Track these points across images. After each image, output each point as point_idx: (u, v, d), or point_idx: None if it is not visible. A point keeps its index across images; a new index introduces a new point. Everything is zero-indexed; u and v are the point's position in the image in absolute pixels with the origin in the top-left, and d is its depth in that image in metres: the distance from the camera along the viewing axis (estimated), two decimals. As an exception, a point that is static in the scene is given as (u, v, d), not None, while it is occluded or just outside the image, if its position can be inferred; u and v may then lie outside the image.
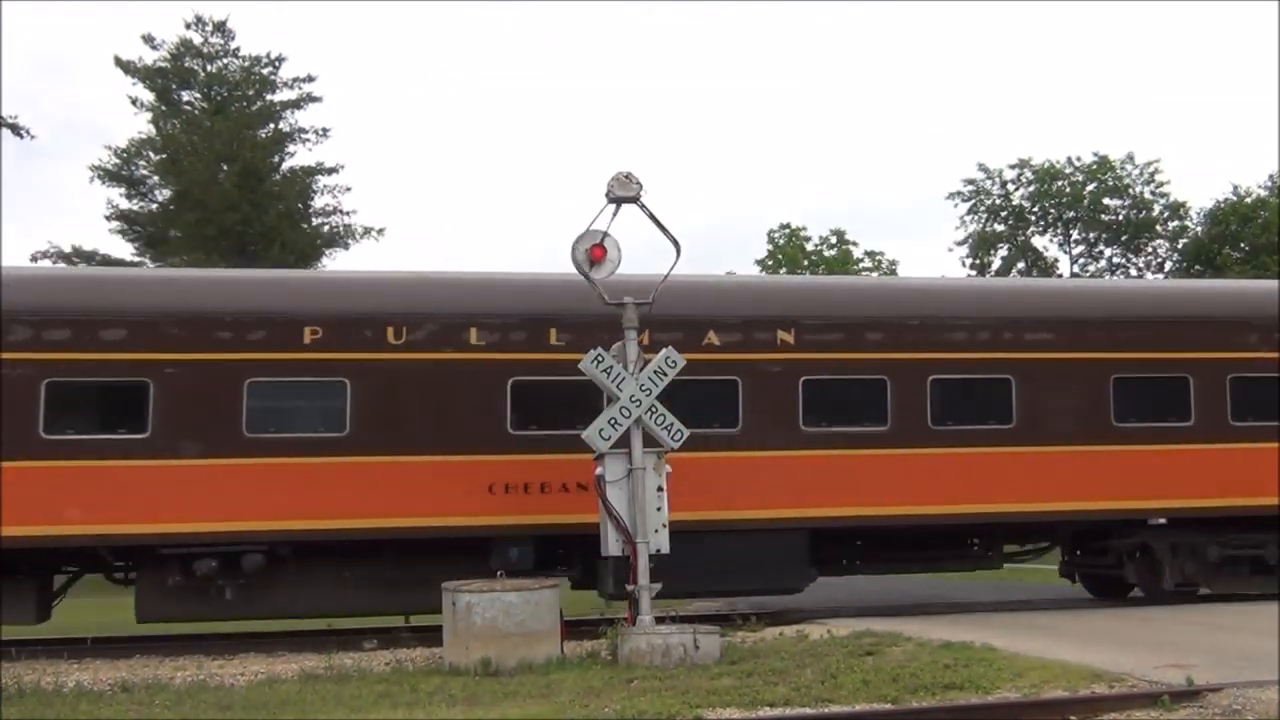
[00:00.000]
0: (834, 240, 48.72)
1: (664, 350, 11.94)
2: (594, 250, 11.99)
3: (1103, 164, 47.03)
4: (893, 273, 48.99)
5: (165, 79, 36.28)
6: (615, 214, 12.06)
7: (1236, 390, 15.00)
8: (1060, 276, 49.59)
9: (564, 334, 13.47)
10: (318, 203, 37.64)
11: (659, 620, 11.54)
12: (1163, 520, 14.84)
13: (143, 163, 36.30)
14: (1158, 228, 47.19)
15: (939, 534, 14.70)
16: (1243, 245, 42.40)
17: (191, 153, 34.48)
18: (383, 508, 12.96)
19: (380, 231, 37.70)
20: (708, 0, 75.87)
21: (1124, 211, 47.11)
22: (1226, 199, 44.14)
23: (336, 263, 37.22)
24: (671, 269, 12.56)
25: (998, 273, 46.67)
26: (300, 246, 34.96)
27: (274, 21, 67.04)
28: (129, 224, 36.09)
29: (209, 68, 36.82)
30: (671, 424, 11.79)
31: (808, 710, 8.31)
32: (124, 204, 36.23)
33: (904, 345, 14.35)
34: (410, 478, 13.07)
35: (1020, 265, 48.31)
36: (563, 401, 13.35)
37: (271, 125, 36.99)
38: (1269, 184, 44.00)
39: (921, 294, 15.46)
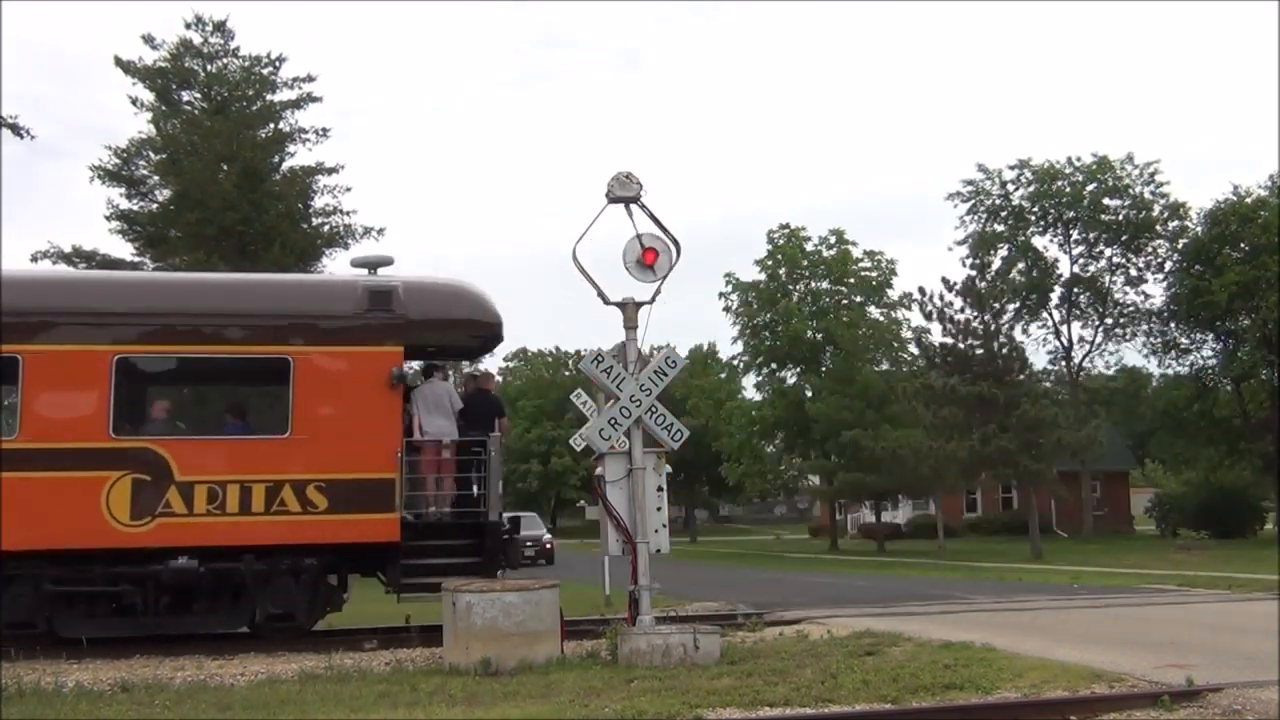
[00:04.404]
0: (833, 240, 48.79)
1: (664, 350, 11.93)
2: (646, 255, 12.01)
3: (1102, 164, 47.12)
4: (892, 272, 49.05)
5: (165, 79, 36.26)
6: (630, 214, 12.03)
7: None
8: (1059, 276, 49.67)
9: None
10: (318, 203, 37.59)
11: (659, 620, 11.55)
12: None
13: (143, 163, 36.30)
14: (1158, 228, 47.26)
15: None
16: (1243, 245, 42.46)
17: (191, 153, 34.48)
18: None
19: (380, 231, 37.73)
20: (708, 1, 75.95)
21: (1124, 211, 47.18)
22: (1226, 199, 44.20)
23: (336, 263, 37.23)
24: (671, 269, 12.55)
25: (998, 273, 46.72)
26: (300, 246, 34.94)
27: (274, 21, 67.18)
28: (129, 224, 36.08)
29: (209, 68, 36.82)
30: (671, 424, 11.80)
31: (808, 710, 8.30)
32: (124, 204, 36.27)
33: None
34: None
35: (1020, 265, 48.35)
36: None
37: (271, 125, 36.95)
38: (1269, 184, 44.03)
39: None
